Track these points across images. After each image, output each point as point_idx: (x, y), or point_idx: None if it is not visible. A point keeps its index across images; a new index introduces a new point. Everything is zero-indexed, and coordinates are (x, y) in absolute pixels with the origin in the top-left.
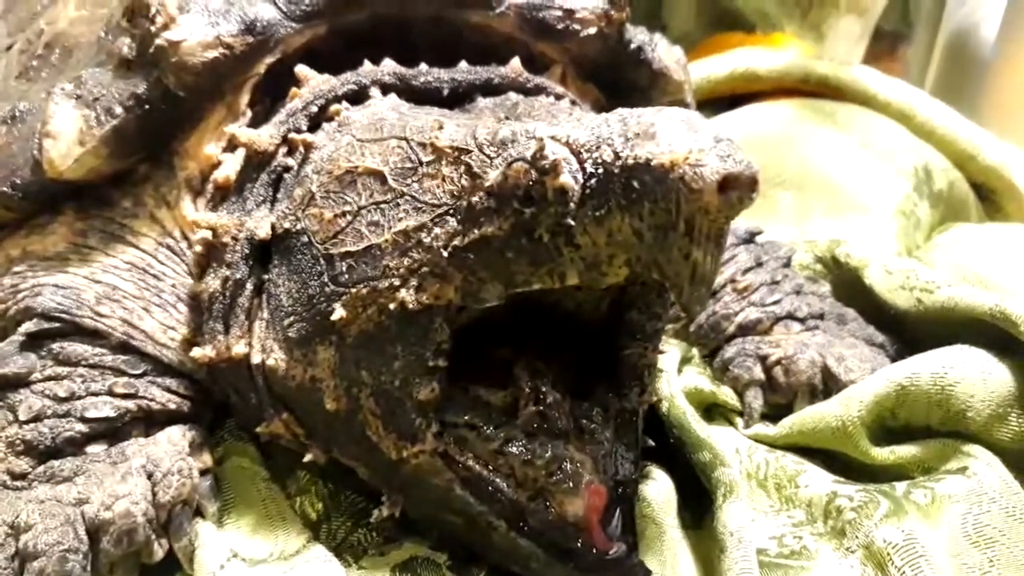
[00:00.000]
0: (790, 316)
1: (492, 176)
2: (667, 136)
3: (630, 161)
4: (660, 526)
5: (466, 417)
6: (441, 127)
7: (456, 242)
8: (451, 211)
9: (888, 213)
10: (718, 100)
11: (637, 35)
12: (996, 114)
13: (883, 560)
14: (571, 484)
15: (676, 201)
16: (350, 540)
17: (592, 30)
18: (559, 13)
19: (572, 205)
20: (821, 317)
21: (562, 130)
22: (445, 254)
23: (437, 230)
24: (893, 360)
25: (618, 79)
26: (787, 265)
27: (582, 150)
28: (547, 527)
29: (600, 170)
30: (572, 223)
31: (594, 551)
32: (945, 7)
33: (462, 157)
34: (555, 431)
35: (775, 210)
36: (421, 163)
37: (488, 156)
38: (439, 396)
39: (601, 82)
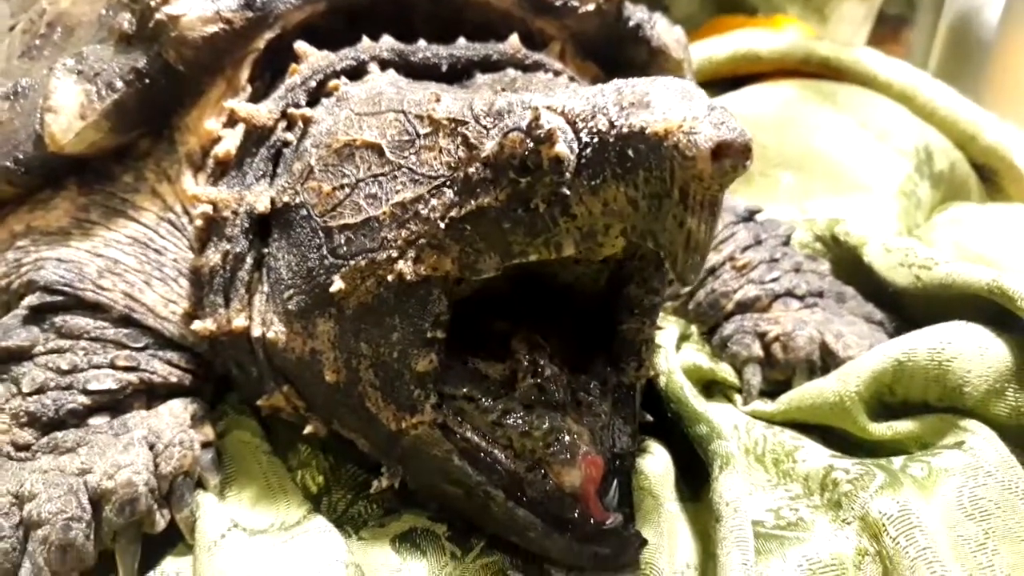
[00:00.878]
0: (789, 293)
1: (488, 147)
2: (661, 105)
3: (625, 130)
4: (657, 498)
5: (464, 389)
6: (438, 99)
7: (453, 213)
8: (448, 182)
9: (889, 193)
10: (720, 81)
11: (636, 13)
12: (998, 97)
13: (878, 531)
14: (568, 455)
15: (670, 169)
16: (350, 512)
17: (591, 7)
18: None
19: (568, 174)
20: (820, 295)
21: (557, 100)
22: (442, 225)
23: (434, 201)
24: (891, 337)
25: (617, 56)
26: (786, 243)
27: (577, 119)
28: (544, 497)
29: (595, 139)
30: (568, 192)
31: (591, 521)
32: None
33: (459, 128)
34: (552, 403)
35: (776, 190)
36: (418, 135)
37: (484, 127)
38: (437, 368)
39: (600, 59)
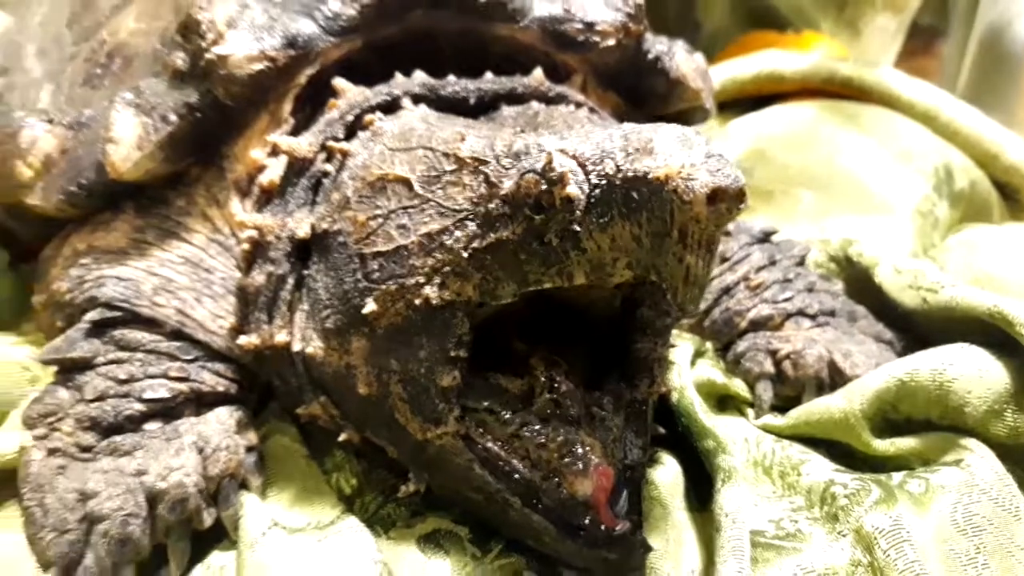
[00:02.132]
0: (801, 313)
1: (507, 185)
2: (663, 151)
3: (630, 174)
4: (666, 507)
5: (486, 403)
6: (463, 139)
7: (475, 244)
8: (471, 216)
9: (906, 213)
10: (744, 100)
11: (656, 45)
12: None
13: (871, 543)
14: (581, 466)
15: (670, 211)
16: (380, 513)
17: (611, 42)
18: (580, 26)
19: (578, 213)
20: (832, 314)
21: (570, 144)
22: (465, 255)
23: (458, 233)
24: (900, 356)
25: (637, 86)
26: (801, 264)
27: (587, 162)
28: (558, 505)
29: (603, 181)
30: (578, 229)
31: (601, 528)
32: (979, 3)
33: (481, 167)
34: (568, 417)
35: (796, 208)
36: (445, 172)
37: (504, 167)
38: (460, 383)
39: (621, 89)
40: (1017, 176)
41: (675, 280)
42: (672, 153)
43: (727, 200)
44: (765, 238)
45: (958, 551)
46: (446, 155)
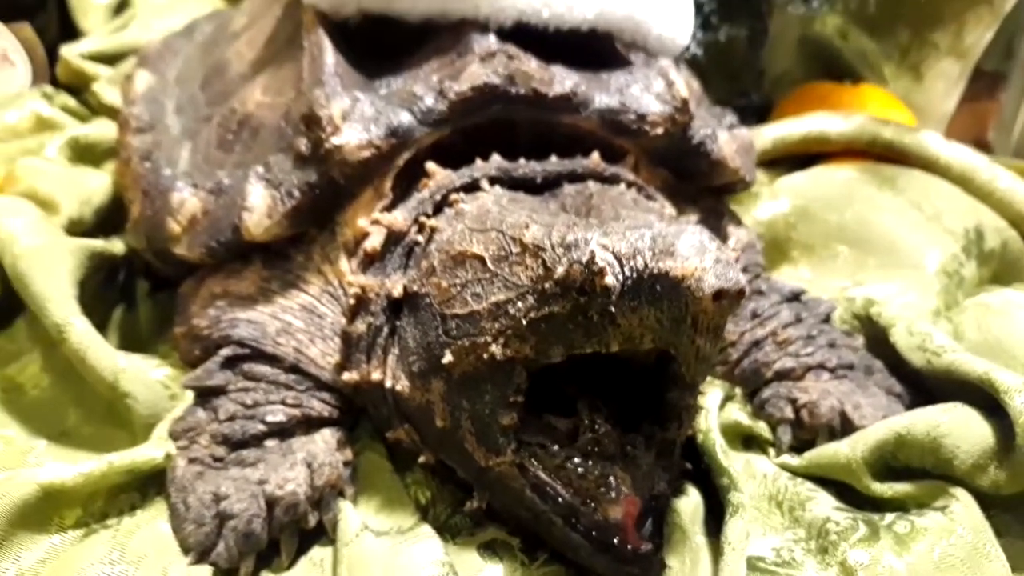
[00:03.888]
0: (820, 366)
1: (559, 271)
2: (683, 254)
3: (655, 271)
4: (685, 532)
5: (538, 438)
6: (527, 227)
7: (532, 315)
8: (530, 292)
9: (933, 271)
10: (793, 158)
11: (700, 131)
12: None
13: (851, 575)
14: (614, 495)
15: (685, 303)
16: (449, 523)
17: (659, 131)
18: (633, 117)
19: (614, 297)
20: (851, 367)
21: (610, 240)
22: (524, 322)
23: (520, 304)
24: (907, 408)
25: (684, 165)
26: (826, 321)
27: (622, 257)
28: (593, 526)
29: (634, 274)
30: (614, 310)
31: (628, 547)
32: None
33: (540, 253)
34: (605, 454)
35: (834, 261)
36: (511, 253)
37: (558, 255)
38: (518, 422)
39: (669, 167)
40: None
41: (688, 357)
42: (689, 257)
43: (729, 298)
44: (794, 297)
45: None
46: (513, 239)
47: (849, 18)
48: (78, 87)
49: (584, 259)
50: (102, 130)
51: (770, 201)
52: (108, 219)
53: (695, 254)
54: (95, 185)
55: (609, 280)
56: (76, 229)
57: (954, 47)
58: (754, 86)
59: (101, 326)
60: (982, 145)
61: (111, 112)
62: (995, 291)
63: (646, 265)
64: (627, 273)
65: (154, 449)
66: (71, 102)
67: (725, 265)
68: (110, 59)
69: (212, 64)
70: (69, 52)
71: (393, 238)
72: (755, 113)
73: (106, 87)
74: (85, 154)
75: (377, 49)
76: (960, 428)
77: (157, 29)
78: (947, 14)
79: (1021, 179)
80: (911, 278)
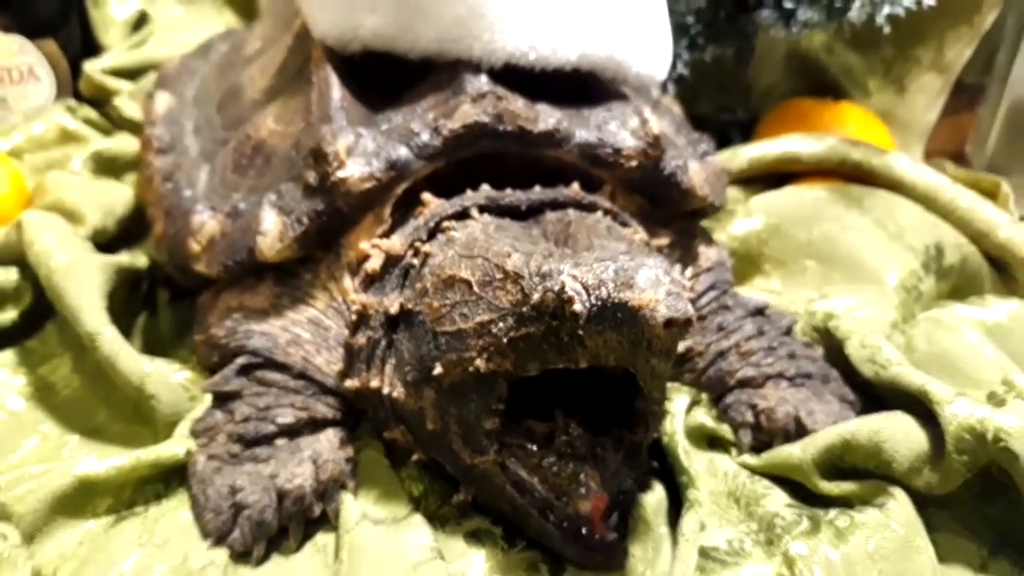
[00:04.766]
0: (780, 375)
1: (535, 297)
2: (640, 287)
3: (617, 300)
4: (649, 524)
5: (518, 440)
6: (509, 255)
7: (511, 334)
8: (509, 314)
9: (893, 286)
10: (767, 176)
11: (672, 162)
12: None
13: (792, 564)
14: (584, 491)
15: (641, 329)
16: (439, 513)
17: (634, 163)
18: (610, 150)
19: (581, 322)
20: (808, 376)
21: (579, 271)
22: (504, 341)
23: (501, 324)
24: (857, 415)
25: (657, 193)
26: (787, 333)
27: (589, 287)
28: (565, 518)
29: (599, 302)
30: (581, 333)
31: (595, 537)
32: (1012, 70)
33: (519, 280)
34: (577, 455)
35: (803, 275)
36: (495, 279)
37: (534, 283)
38: (499, 426)
39: (644, 194)
40: (1007, 252)
41: (644, 373)
42: (646, 289)
43: (678, 326)
44: (758, 312)
45: (859, 573)
46: (497, 266)
47: (834, 35)
48: (100, 100)
49: (556, 288)
50: (123, 144)
51: (744, 219)
52: (129, 228)
53: (651, 287)
54: (117, 197)
55: (577, 307)
56: (100, 238)
57: (936, 62)
58: (740, 102)
59: (126, 332)
60: (961, 157)
61: (131, 125)
62: (947, 306)
63: (609, 295)
64: (593, 301)
65: (177, 446)
66: (93, 115)
67: (676, 297)
68: (130, 74)
69: (227, 88)
70: (91, 67)
71: (391, 261)
72: (741, 128)
73: (127, 101)
74: (108, 167)
75: (379, 80)
76: (899, 434)
77: (175, 44)
78: (929, 31)
79: (981, 199)
80: (872, 292)
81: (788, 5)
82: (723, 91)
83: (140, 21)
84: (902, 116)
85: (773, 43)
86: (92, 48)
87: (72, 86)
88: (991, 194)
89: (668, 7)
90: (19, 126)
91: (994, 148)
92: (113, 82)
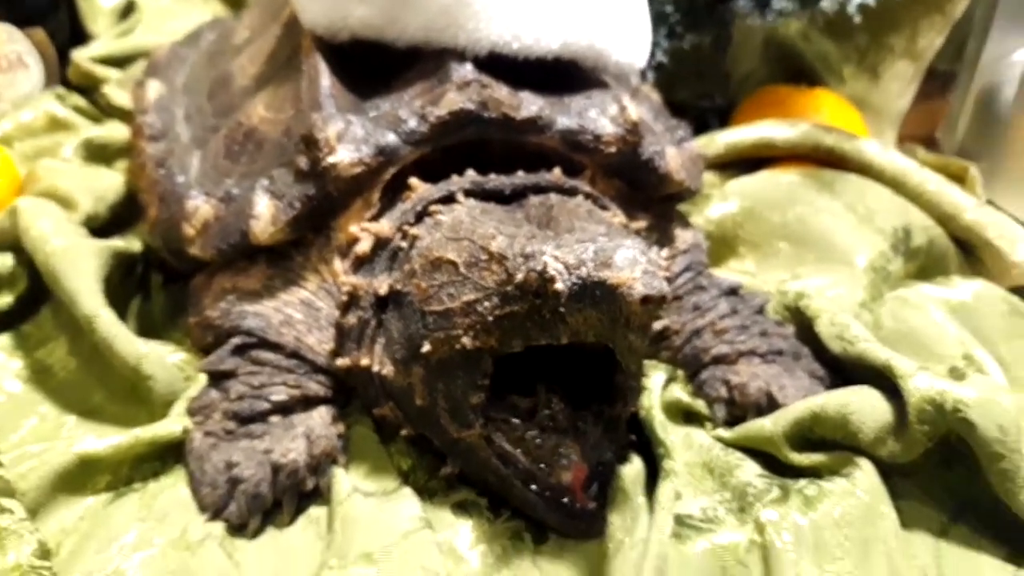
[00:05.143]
0: (752, 352)
1: (518, 277)
2: (618, 265)
3: (595, 279)
4: (627, 494)
5: (502, 415)
6: (494, 237)
7: (496, 312)
8: (495, 293)
9: (862, 267)
10: (743, 161)
11: (649, 148)
12: (1013, 177)
13: (763, 529)
14: (565, 463)
15: (619, 306)
16: (427, 486)
17: (613, 149)
18: (590, 137)
19: (562, 300)
20: (780, 353)
21: (561, 252)
22: (490, 319)
23: (486, 303)
24: (827, 389)
25: (635, 177)
26: (760, 312)
27: (570, 267)
28: (548, 488)
29: (580, 280)
30: (563, 311)
31: (576, 506)
32: (980, 60)
33: (503, 261)
34: (559, 428)
35: (777, 256)
36: (480, 260)
37: (517, 264)
38: (485, 401)
39: (623, 178)
40: (972, 234)
41: (622, 348)
42: (623, 268)
43: (653, 303)
44: (732, 292)
45: (827, 538)
46: (482, 248)
47: (810, 23)
48: (88, 88)
49: (539, 268)
50: (114, 132)
51: (720, 202)
52: (121, 214)
53: (628, 266)
54: (108, 183)
55: (559, 286)
56: (92, 224)
57: (908, 50)
58: (718, 88)
59: (121, 314)
60: (932, 141)
61: (120, 113)
62: (913, 286)
63: (588, 274)
64: (573, 280)
65: (173, 424)
66: (82, 102)
67: (652, 276)
68: (118, 62)
69: (217, 76)
70: (79, 56)
71: (380, 244)
72: (718, 114)
73: (115, 89)
74: (98, 154)
75: (368, 67)
76: (865, 407)
77: (162, 32)
78: (902, 19)
79: (948, 182)
80: (843, 273)
81: None
82: (701, 78)
83: (128, 9)
84: (876, 102)
85: (750, 31)
86: (80, 36)
87: (61, 74)
88: (960, 178)
89: None
90: (8, 114)
91: (963, 133)
92: (101, 70)
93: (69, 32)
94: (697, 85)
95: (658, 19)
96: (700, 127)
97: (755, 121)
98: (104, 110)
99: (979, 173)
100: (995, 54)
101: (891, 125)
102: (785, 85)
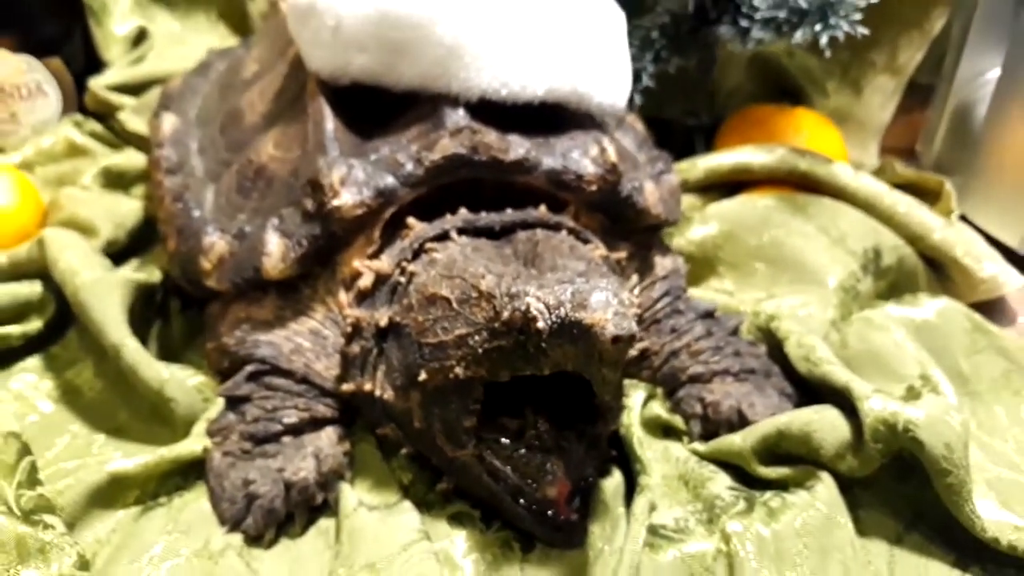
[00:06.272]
0: (725, 371)
1: (504, 315)
2: (592, 307)
3: (573, 319)
4: (607, 506)
5: (493, 435)
6: (483, 276)
7: (485, 345)
8: (484, 328)
9: (833, 287)
10: (722, 184)
11: (628, 185)
12: (985, 192)
13: (728, 540)
14: (550, 478)
15: (593, 344)
16: (425, 499)
17: (594, 187)
18: (573, 176)
19: (544, 337)
20: (752, 372)
21: (543, 293)
22: (480, 351)
23: (477, 337)
24: (796, 407)
25: (615, 212)
26: (734, 333)
27: (550, 308)
28: (534, 502)
29: (559, 320)
30: (544, 346)
31: (560, 518)
32: (956, 75)
33: (491, 299)
34: (545, 447)
35: (753, 276)
36: (471, 297)
37: (504, 303)
38: (476, 423)
39: (604, 213)
40: (941, 253)
41: (596, 381)
42: (597, 310)
43: (623, 342)
44: (707, 315)
45: (787, 547)
46: (473, 286)
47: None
48: (104, 115)
49: (523, 308)
50: (130, 159)
51: (701, 225)
52: (139, 239)
53: (602, 308)
54: (127, 210)
55: (540, 324)
56: (112, 249)
57: (889, 65)
58: (704, 106)
59: (143, 339)
60: (912, 154)
61: (135, 138)
62: (879, 306)
63: (567, 315)
64: (553, 319)
65: (194, 444)
66: (99, 128)
67: (623, 317)
68: (132, 89)
69: (228, 110)
70: (95, 84)
71: (380, 279)
72: (704, 131)
73: (130, 115)
74: (117, 181)
75: (369, 107)
76: (827, 425)
77: (172, 58)
78: (883, 36)
79: (918, 204)
80: (815, 293)
81: (743, 24)
82: (687, 97)
83: (140, 37)
84: (858, 115)
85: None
86: (95, 63)
87: (77, 100)
88: (936, 192)
89: (634, 23)
90: (29, 140)
91: (940, 147)
92: (116, 97)
93: (84, 60)
94: (684, 104)
95: (644, 44)
96: (686, 143)
97: (739, 139)
98: (120, 136)
99: (954, 188)
100: (969, 73)
101: (874, 137)
102: (768, 104)
